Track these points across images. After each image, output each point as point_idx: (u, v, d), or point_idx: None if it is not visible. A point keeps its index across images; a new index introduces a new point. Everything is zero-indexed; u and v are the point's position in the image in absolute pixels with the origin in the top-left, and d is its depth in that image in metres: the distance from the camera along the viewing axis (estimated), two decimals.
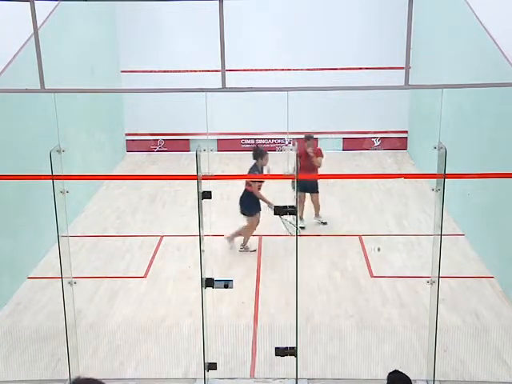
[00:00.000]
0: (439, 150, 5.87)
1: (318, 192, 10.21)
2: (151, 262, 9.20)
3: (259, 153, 9.31)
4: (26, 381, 6.48)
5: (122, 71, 14.26)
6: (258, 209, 9.32)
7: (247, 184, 9.29)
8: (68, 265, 6.24)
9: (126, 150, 14.75)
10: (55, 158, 5.90)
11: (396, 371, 4.39)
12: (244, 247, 9.48)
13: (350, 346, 6.96)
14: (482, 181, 8.03)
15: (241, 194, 9.40)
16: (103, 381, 2.87)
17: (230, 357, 6.78)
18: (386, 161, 14.04)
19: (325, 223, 10.34)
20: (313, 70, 13.78)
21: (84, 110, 11.25)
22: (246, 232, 9.45)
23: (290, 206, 6.01)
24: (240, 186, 9.58)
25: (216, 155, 14.18)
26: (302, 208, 10.20)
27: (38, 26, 5.66)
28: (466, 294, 8.08)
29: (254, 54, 13.86)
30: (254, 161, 9.25)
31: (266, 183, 9.52)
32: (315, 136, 14.30)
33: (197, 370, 6.53)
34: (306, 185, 9.90)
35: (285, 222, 9.25)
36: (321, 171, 10.17)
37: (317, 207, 10.36)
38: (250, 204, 9.28)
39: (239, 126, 14.58)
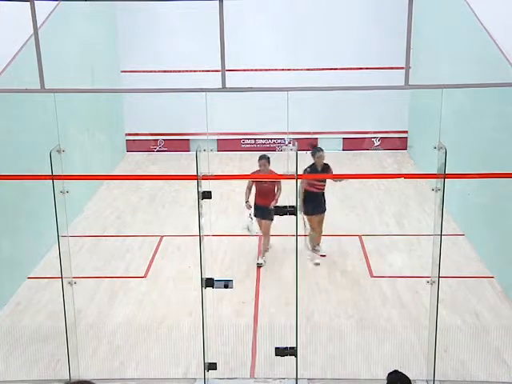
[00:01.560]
0: (439, 149, 5.87)
1: (271, 220, 8.77)
2: (151, 262, 9.20)
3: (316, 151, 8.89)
4: (25, 381, 6.48)
5: (122, 71, 14.26)
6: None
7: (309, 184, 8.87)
8: (68, 265, 6.24)
9: (126, 150, 14.76)
10: (55, 158, 5.90)
11: (395, 371, 4.39)
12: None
13: (350, 346, 6.96)
14: (482, 181, 8.03)
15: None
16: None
17: (230, 357, 6.79)
18: (386, 161, 14.04)
19: (260, 265, 8.94)
20: (313, 70, 13.79)
21: (84, 110, 11.25)
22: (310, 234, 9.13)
23: (290, 206, 6.02)
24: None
25: (216, 155, 14.18)
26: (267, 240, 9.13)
27: (38, 26, 5.66)
28: (466, 294, 8.08)
29: (254, 54, 13.85)
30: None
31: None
32: (316, 137, 14.36)
33: (197, 370, 6.53)
34: (263, 210, 8.75)
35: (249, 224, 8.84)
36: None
37: (266, 236, 9.11)
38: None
39: (239, 125, 14.57)
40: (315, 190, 8.92)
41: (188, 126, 14.09)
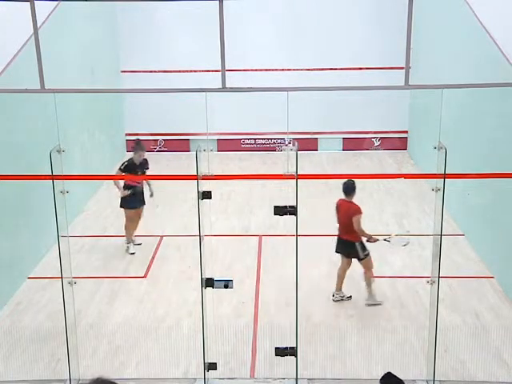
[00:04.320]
0: (439, 149, 5.87)
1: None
2: (151, 262, 9.20)
3: (138, 146, 9.40)
4: (25, 381, 6.48)
5: (122, 71, 14.26)
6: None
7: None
8: (68, 265, 6.24)
9: (126, 150, 14.75)
10: (55, 158, 5.90)
11: (389, 374, 4.30)
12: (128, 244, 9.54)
13: (350, 346, 6.96)
14: (482, 181, 8.03)
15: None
16: None
17: (230, 357, 6.79)
18: (386, 161, 14.04)
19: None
20: (313, 70, 13.79)
21: (84, 110, 11.26)
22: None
23: (290, 206, 6.01)
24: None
25: (216, 155, 14.18)
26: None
27: (38, 26, 5.66)
28: (466, 294, 8.08)
29: (254, 54, 13.87)
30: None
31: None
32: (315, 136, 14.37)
33: (197, 370, 6.53)
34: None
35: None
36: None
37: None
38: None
39: (239, 126, 14.58)
40: (134, 184, 9.30)
41: (188, 126, 14.09)
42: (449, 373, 6.48)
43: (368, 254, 7.83)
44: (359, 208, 7.70)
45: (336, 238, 8.01)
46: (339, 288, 8.04)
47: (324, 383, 6.41)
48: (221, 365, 6.57)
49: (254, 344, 7.05)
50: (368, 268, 7.88)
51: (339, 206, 7.88)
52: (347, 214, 7.71)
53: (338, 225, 7.93)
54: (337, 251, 8.07)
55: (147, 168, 9.45)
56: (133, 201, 9.34)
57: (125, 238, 9.57)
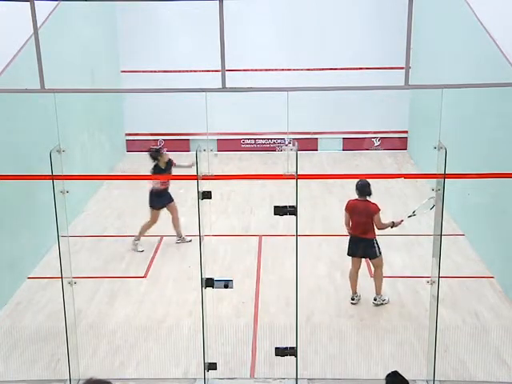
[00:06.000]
0: (439, 149, 5.87)
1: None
2: (151, 262, 9.20)
3: (157, 153, 9.46)
4: (25, 381, 6.48)
5: (122, 71, 14.26)
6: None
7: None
8: (68, 265, 6.24)
9: (126, 149, 14.76)
10: (55, 158, 5.90)
11: (395, 373, 4.34)
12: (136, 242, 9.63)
13: (350, 346, 6.96)
14: (482, 181, 8.02)
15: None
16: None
17: (230, 357, 6.79)
18: (386, 161, 14.04)
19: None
20: (313, 70, 13.79)
21: (84, 110, 11.25)
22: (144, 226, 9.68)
23: (290, 206, 6.01)
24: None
25: (216, 155, 14.17)
26: None
27: (38, 26, 5.66)
28: (466, 294, 8.08)
29: (254, 54, 13.87)
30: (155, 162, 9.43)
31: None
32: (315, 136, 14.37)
33: (197, 370, 6.53)
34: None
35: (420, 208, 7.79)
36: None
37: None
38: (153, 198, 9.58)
39: (239, 126, 14.58)
40: (164, 187, 9.52)
41: (188, 126, 14.09)
42: (449, 373, 6.48)
43: (381, 252, 7.80)
44: (377, 205, 7.70)
45: (350, 239, 7.86)
46: (354, 291, 7.94)
47: (324, 383, 6.41)
48: (221, 365, 6.57)
49: (253, 344, 7.05)
50: (380, 266, 7.84)
51: (354, 207, 7.77)
52: (365, 213, 7.65)
53: (351, 226, 7.80)
54: (351, 254, 7.91)
55: (173, 165, 9.48)
56: (159, 201, 9.52)
57: (135, 236, 9.61)
